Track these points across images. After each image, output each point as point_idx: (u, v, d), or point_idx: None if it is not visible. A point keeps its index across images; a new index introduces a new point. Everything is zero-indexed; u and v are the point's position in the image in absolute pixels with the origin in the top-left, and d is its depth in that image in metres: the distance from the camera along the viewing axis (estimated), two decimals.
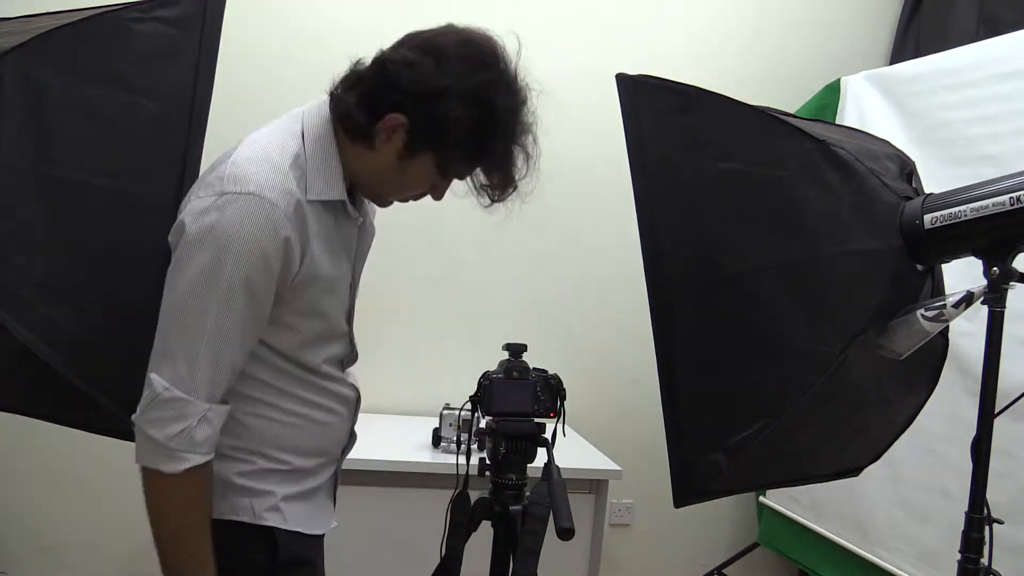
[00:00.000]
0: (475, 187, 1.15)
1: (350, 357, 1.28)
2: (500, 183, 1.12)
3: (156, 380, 0.99)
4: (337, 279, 1.16)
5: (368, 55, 1.10)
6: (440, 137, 1.06)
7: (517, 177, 1.12)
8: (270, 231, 1.00)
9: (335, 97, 1.10)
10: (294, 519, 1.16)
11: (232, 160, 1.03)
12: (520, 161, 1.11)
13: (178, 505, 1.04)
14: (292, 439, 1.16)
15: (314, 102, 1.14)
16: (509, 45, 1.12)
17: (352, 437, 1.31)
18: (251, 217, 0.99)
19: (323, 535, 1.26)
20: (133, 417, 1.02)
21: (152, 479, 1.02)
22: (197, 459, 1.02)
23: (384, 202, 1.22)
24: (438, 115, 1.03)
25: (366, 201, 1.25)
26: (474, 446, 1.48)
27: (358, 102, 1.07)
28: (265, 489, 1.13)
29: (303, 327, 1.12)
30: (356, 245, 1.23)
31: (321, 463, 1.23)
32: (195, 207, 1.01)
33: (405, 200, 1.19)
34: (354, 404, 1.29)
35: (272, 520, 1.14)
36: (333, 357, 1.21)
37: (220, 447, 1.07)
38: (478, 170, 1.13)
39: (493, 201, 1.16)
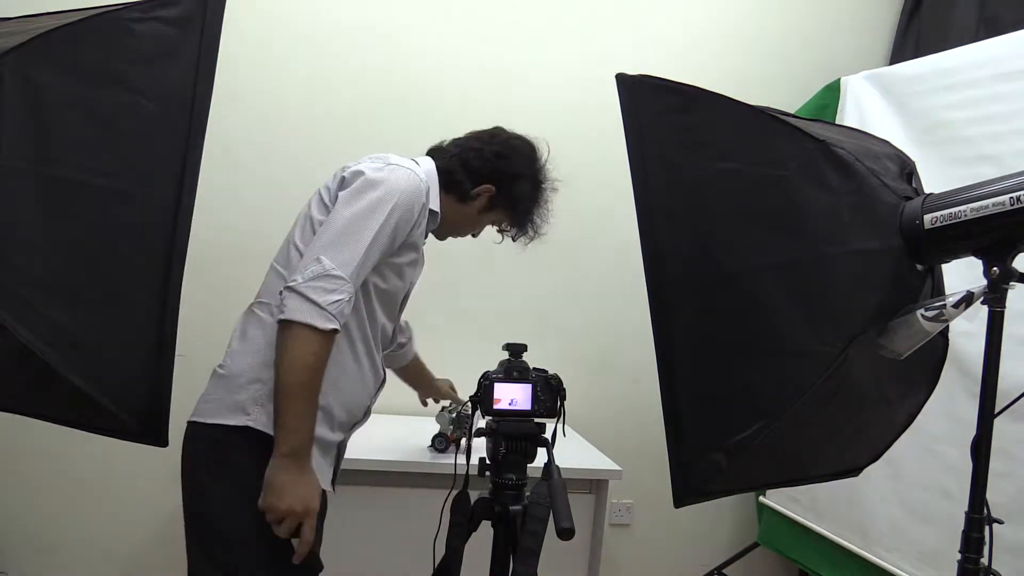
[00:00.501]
0: (507, 233, 1.70)
1: (389, 342, 1.59)
2: (531, 233, 1.68)
3: (326, 260, 1.29)
4: (412, 265, 1.51)
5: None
6: (514, 204, 1.62)
7: (542, 231, 1.69)
8: (419, 196, 1.43)
9: (445, 168, 1.57)
10: (319, 469, 1.36)
11: (394, 161, 1.45)
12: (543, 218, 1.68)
13: (317, 359, 1.28)
14: (344, 380, 1.42)
15: (422, 159, 1.59)
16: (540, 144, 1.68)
17: (367, 414, 1.54)
18: (410, 182, 1.41)
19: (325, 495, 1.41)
20: (294, 284, 1.27)
21: (301, 333, 1.26)
22: (337, 326, 1.28)
23: (445, 237, 1.69)
24: (515, 190, 1.60)
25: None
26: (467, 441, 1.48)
27: (464, 171, 1.57)
28: None
29: (388, 279, 1.46)
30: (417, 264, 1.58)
31: (343, 421, 1.46)
32: (367, 165, 1.42)
33: (459, 237, 1.70)
34: (378, 386, 1.56)
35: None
36: (385, 329, 1.53)
37: None
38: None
39: (515, 239, 1.70)
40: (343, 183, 1.42)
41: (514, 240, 1.69)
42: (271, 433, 1.29)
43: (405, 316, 1.81)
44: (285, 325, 1.26)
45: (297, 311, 1.25)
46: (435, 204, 1.53)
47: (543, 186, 1.64)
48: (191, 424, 1.37)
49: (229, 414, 1.33)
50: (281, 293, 1.29)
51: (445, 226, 1.60)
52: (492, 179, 1.57)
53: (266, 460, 1.27)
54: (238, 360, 1.38)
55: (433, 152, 1.62)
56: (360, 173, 1.39)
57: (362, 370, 1.46)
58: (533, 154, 1.64)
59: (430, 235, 1.61)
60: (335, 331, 1.28)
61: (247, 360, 1.37)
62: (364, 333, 1.45)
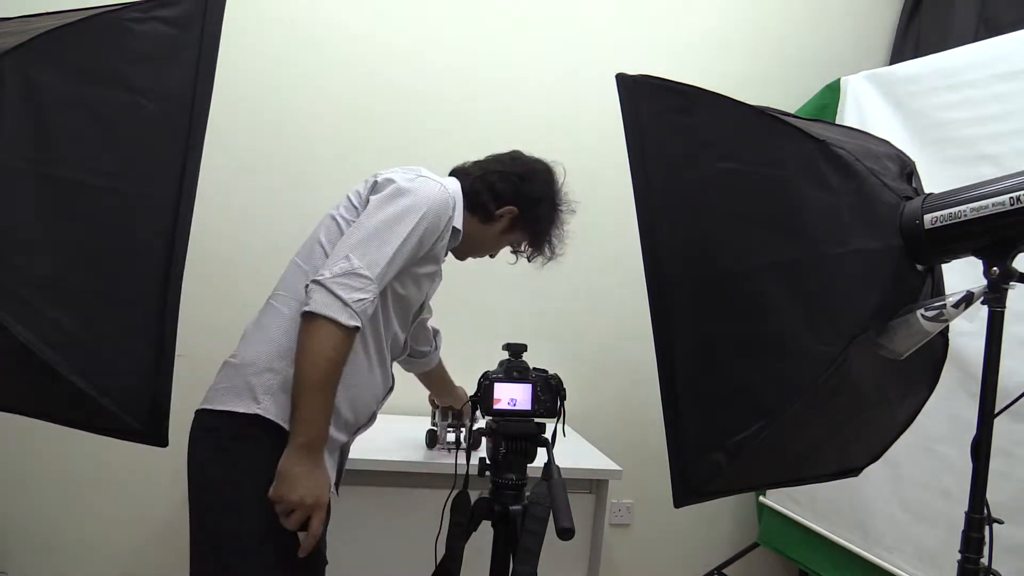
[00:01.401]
0: (522, 254, 1.77)
1: (400, 351, 1.60)
2: (549, 254, 1.74)
3: (355, 258, 1.32)
4: (430, 278, 1.55)
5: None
6: (536, 226, 1.67)
7: (559, 252, 1.75)
8: (446, 210, 1.47)
9: (470, 191, 1.61)
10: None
11: (424, 173, 1.49)
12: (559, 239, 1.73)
13: (338, 354, 1.29)
14: (355, 380, 1.42)
15: (445, 178, 1.58)
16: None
17: (371, 419, 1.54)
18: (439, 195, 1.45)
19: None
20: (322, 278, 1.29)
21: (325, 326, 1.28)
22: (360, 324, 1.30)
23: (464, 257, 1.72)
24: (537, 212, 1.65)
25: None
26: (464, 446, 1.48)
27: (489, 192, 1.61)
28: None
29: (406, 287, 1.48)
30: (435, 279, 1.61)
31: (350, 422, 1.46)
32: (397, 175, 1.46)
33: (479, 257, 1.74)
34: (386, 392, 1.56)
35: None
36: (397, 338, 1.54)
37: None
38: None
39: (530, 260, 1.76)
40: (375, 188, 1.46)
41: (529, 260, 1.75)
42: (281, 424, 1.31)
43: (433, 322, 1.88)
44: (310, 318, 1.28)
45: (323, 305, 1.27)
46: (459, 222, 1.55)
47: (561, 208, 1.70)
48: (199, 412, 1.38)
49: (239, 401, 1.33)
50: (308, 287, 1.31)
51: (466, 245, 1.63)
52: (515, 201, 1.62)
53: (275, 453, 1.27)
54: (251, 349, 1.39)
55: (456, 173, 1.65)
56: (392, 180, 1.43)
57: (373, 373, 1.47)
58: (552, 177, 1.69)
59: (449, 253, 1.64)
60: (357, 328, 1.30)
61: (262, 348, 1.37)
62: (378, 337, 1.46)
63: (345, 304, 1.28)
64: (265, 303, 1.47)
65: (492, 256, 1.76)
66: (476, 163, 1.67)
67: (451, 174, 1.65)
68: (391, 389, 1.58)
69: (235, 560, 1.30)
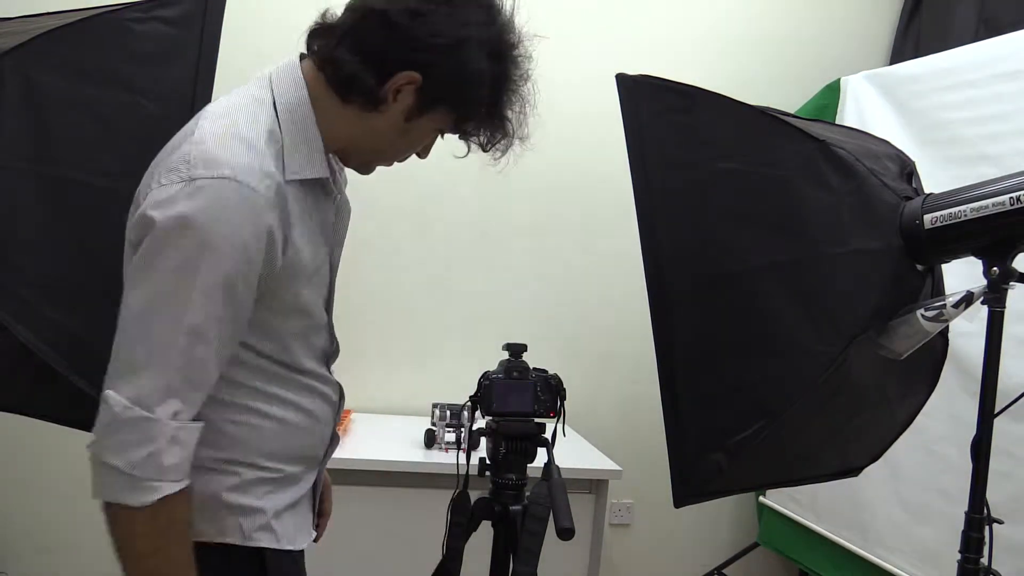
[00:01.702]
0: (472, 140, 1.08)
1: (332, 351, 1.16)
2: (505, 136, 1.07)
3: (113, 398, 0.85)
4: (318, 267, 1.05)
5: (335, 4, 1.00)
6: (461, 93, 0.99)
7: (519, 130, 1.08)
8: (251, 221, 0.88)
9: (329, 58, 0.97)
10: (285, 536, 1.07)
11: (196, 138, 0.90)
12: (521, 110, 1.06)
13: (151, 543, 0.88)
14: (279, 443, 1.05)
15: (282, 64, 1.01)
16: None
17: (334, 439, 1.19)
18: (229, 205, 0.86)
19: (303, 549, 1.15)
20: (87, 446, 0.87)
21: (118, 516, 0.87)
22: (169, 487, 0.87)
23: (370, 169, 1.11)
24: (458, 69, 0.96)
25: (340, 174, 1.15)
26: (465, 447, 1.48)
27: (362, 61, 0.95)
28: (256, 506, 1.02)
29: (286, 325, 1.02)
30: (335, 225, 1.11)
31: (306, 468, 1.12)
32: (159, 196, 0.87)
33: (390, 164, 1.11)
34: (337, 405, 1.17)
35: (264, 540, 1.03)
36: (317, 353, 1.11)
37: (204, 461, 0.95)
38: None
39: (486, 150, 1.09)
40: (132, 243, 0.91)
41: (485, 150, 1.09)
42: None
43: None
44: (106, 509, 0.89)
45: (100, 487, 0.87)
46: (306, 171, 0.97)
47: (510, 54, 1.02)
48: None
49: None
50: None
51: (358, 155, 1.08)
52: (411, 60, 0.95)
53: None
54: None
55: (313, 35, 1.00)
56: (146, 220, 0.87)
57: (295, 417, 1.06)
58: (486, 2, 1.00)
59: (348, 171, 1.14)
60: (168, 497, 0.87)
61: None
62: (277, 384, 1.03)
63: (124, 474, 0.85)
64: None
65: (421, 156, 1.12)
66: (349, 5, 0.98)
67: (308, 44, 1.01)
68: (342, 398, 1.19)
69: None
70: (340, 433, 2.08)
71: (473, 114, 1.03)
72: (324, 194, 1.05)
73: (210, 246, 0.86)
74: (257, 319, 0.96)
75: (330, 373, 1.16)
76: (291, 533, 1.08)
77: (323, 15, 1.00)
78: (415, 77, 0.95)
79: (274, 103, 0.97)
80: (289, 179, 0.95)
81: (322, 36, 0.99)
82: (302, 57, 1.02)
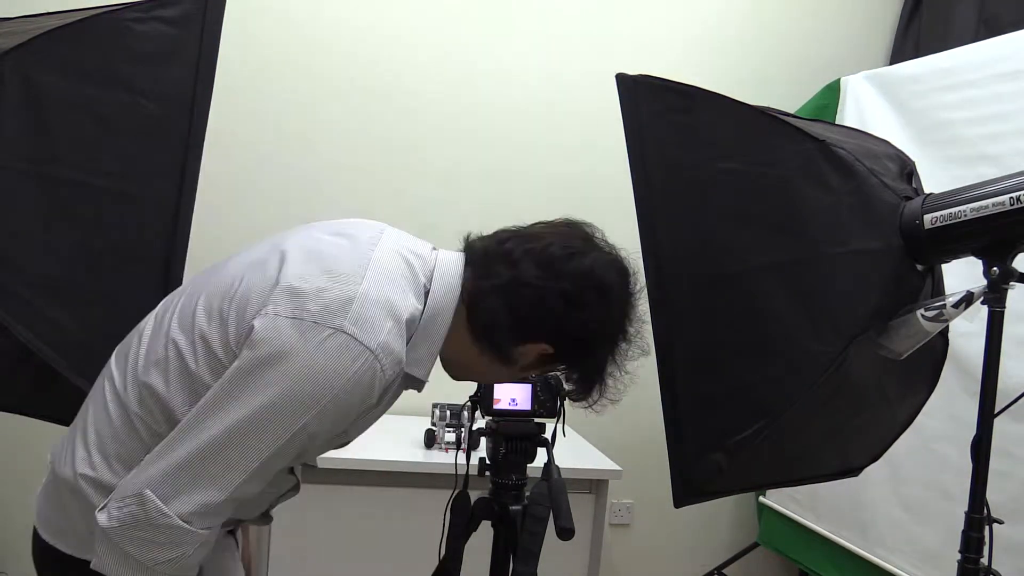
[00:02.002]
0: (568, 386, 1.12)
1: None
2: (596, 396, 1.10)
3: (155, 500, 0.82)
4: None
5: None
6: (577, 369, 1.05)
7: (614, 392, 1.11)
8: (366, 399, 0.88)
9: (479, 301, 0.98)
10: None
11: (362, 291, 0.88)
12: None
13: None
14: None
15: (451, 261, 1.02)
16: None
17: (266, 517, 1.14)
18: (360, 378, 0.86)
19: None
20: (102, 522, 0.83)
21: None
22: None
23: (460, 378, 1.12)
24: (593, 355, 1.02)
25: None
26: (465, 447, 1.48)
27: (510, 318, 0.97)
28: None
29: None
30: None
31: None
32: (289, 327, 0.84)
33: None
34: (286, 492, 1.11)
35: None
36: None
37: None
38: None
39: (574, 399, 1.13)
40: (248, 341, 0.86)
41: (572, 398, 1.13)
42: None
43: None
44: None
45: (111, 564, 0.84)
46: (416, 370, 0.97)
47: (626, 342, 1.04)
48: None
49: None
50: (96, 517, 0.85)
51: (460, 371, 1.08)
52: (550, 338, 0.99)
53: None
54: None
55: (481, 255, 1.01)
56: (267, 337, 0.84)
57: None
58: (623, 295, 1.02)
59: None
60: None
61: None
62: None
63: (144, 567, 0.83)
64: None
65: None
66: (500, 244, 1.01)
67: (477, 252, 1.03)
68: (294, 488, 1.13)
69: None
70: None
71: (584, 384, 1.07)
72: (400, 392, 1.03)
73: (322, 405, 0.85)
74: None
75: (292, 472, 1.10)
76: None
77: (478, 242, 1.04)
78: (548, 351, 1.00)
79: (426, 295, 0.97)
80: (404, 369, 0.95)
81: (485, 267, 1.00)
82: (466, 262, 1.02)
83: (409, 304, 0.93)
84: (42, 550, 1.04)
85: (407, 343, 0.94)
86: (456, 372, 1.08)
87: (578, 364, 1.04)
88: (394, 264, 0.95)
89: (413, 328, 0.95)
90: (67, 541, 0.97)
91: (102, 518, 0.84)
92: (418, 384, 1.01)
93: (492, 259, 0.99)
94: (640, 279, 1.07)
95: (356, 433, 1.04)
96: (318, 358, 0.84)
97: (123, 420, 0.93)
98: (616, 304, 1.00)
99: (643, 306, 1.07)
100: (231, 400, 0.84)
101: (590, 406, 1.10)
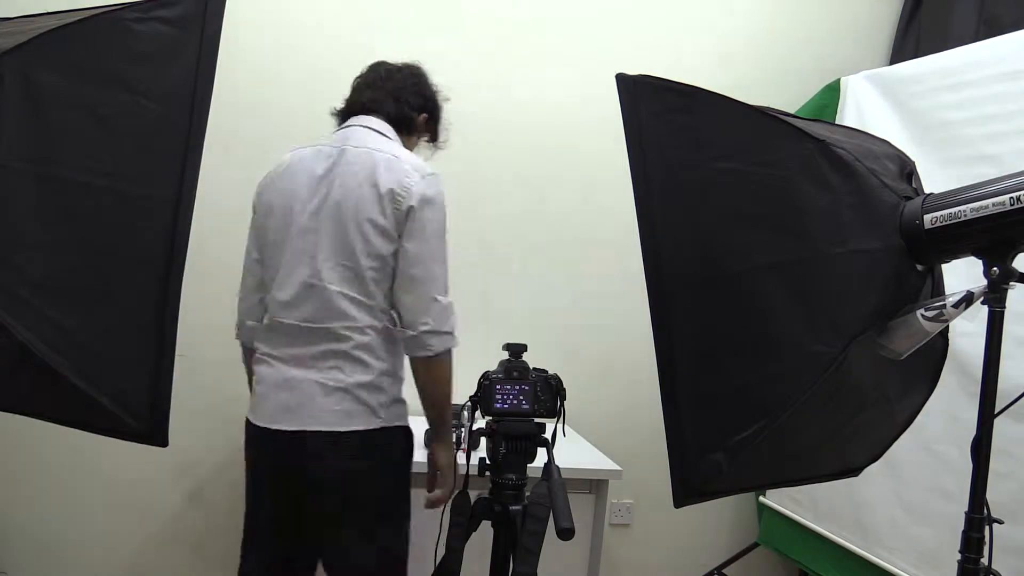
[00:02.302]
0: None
1: None
2: (444, 139, 1.85)
3: (441, 298, 1.53)
4: None
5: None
6: (435, 121, 1.81)
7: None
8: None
9: (397, 113, 1.70)
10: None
11: (410, 160, 1.58)
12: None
13: (451, 372, 1.56)
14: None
15: (372, 122, 1.66)
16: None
17: None
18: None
19: None
20: (431, 328, 1.50)
21: (446, 359, 1.54)
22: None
23: None
24: (435, 110, 1.80)
25: None
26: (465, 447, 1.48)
27: (410, 109, 1.72)
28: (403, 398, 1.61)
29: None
30: None
31: None
32: (422, 184, 1.52)
33: None
34: None
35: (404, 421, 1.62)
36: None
37: (398, 370, 1.58)
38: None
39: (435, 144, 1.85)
40: (411, 213, 1.51)
41: (434, 143, 1.84)
42: (398, 425, 1.56)
43: None
44: (436, 359, 1.52)
45: (441, 345, 1.52)
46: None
47: (442, 96, 1.83)
48: (319, 434, 1.48)
49: (363, 419, 1.51)
50: (418, 336, 1.50)
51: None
52: (424, 107, 1.74)
53: (407, 443, 1.59)
54: (357, 376, 1.51)
55: (370, 107, 1.68)
56: (427, 200, 1.52)
57: None
58: (424, 70, 1.81)
59: None
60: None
61: (365, 377, 1.52)
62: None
63: (451, 334, 1.53)
64: (311, 329, 1.53)
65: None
66: (374, 88, 1.72)
67: (362, 110, 1.68)
68: None
69: (395, 540, 1.58)
70: None
71: (438, 132, 1.84)
72: None
73: (446, 210, 1.59)
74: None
75: None
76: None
77: (359, 98, 1.75)
78: (425, 116, 1.77)
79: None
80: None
81: (375, 105, 1.71)
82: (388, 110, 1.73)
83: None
84: (360, 443, 1.52)
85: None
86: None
87: (437, 118, 1.81)
88: (395, 147, 1.65)
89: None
90: (366, 419, 1.53)
91: (428, 324, 1.53)
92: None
93: (378, 99, 1.71)
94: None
95: None
96: (437, 190, 1.59)
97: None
98: (426, 75, 1.80)
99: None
100: (436, 236, 1.56)
101: (442, 145, 1.85)
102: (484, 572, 1.46)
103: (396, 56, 2.60)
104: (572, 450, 2.23)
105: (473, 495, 1.46)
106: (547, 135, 2.64)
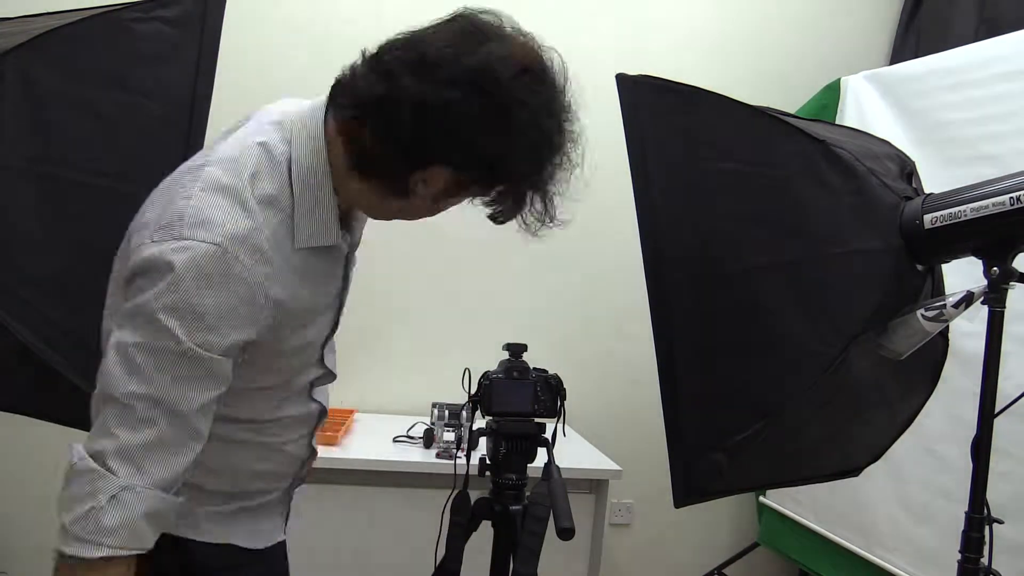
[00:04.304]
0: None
1: (324, 378, 1.09)
2: (541, 213, 0.98)
3: (76, 446, 0.80)
4: (322, 309, 1.00)
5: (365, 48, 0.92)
6: (501, 188, 0.91)
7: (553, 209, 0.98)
8: (254, 281, 0.84)
9: (349, 131, 0.87)
10: (219, 533, 1.02)
11: (198, 188, 0.84)
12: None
13: None
14: (226, 467, 1.00)
15: (303, 111, 0.92)
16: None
17: (312, 453, 1.14)
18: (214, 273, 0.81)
19: (273, 546, 1.12)
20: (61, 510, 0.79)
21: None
22: (108, 551, 0.76)
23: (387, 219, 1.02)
24: (501, 173, 0.87)
25: (357, 222, 1.08)
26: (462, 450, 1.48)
27: (390, 150, 0.84)
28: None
29: (270, 369, 0.95)
30: (346, 271, 1.05)
31: (263, 487, 1.07)
32: (156, 227, 0.84)
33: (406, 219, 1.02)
34: (315, 422, 1.11)
35: (187, 533, 0.99)
36: (302, 389, 1.05)
37: None
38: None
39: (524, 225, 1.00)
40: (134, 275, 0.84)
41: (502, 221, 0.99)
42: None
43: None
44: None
45: (63, 540, 0.78)
46: (316, 240, 0.91)
47: (552, 149, 0.91)
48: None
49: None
50: None
51: (379, 213, 0.99)
52: (448, 157, 0.86)
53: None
54: None
55: (337, 92, 0.91)
56: (143, 265, 0.82)
57: (249, 450, 1.02)
58: (543, 90, 0.89)
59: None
60: (132, 554, 0.78)
61: None
62: (239, 424, 0.98)
63: (66, 531, 0.76)
64: None
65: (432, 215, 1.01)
66: (376, 69, 0.87)
67: (333, 90, 0.92)
68: (323, 415, 1.12)
69: None
70: (340, 434, 2.08)
71: (506, 208, 0.95)
72: (336, 256, 0.99)
73: (197, 313, 0.80)
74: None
75: (311, 397, 1.08)
76: (226, 532, 1.04)
77: (352, 68, 0.89)
78: (447, 174, 0.86)
79: (289, 163, 0.89)
80: (298, 247, 0.89)
81: (350, 94, 0.87)
82: (328, 105, 0.91)
83: (270, 180, 0.86)
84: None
85: (294, 219, 0.87)
86: (377, 215, 0.99)
87: (494, 186, 0.89)
88: (238, 148, 0.88)
89: (290, 203, 0.88)
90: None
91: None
92: (336, 251, 0.96)
93: (360, 83, 0.86)
94: (567, 71, 0.92)
95: (319, 301, 0.98)
96: (174, 256, 0.81)
97: None
98: (526, 116, 0.83)
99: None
100: (121, 328, 0.84)
101: (532, 233, 0.96)
102: (484, 572, 1.46)
103: None
104: (572, 450, 2.23)
105: (473, 495, 1.46)
106: None
